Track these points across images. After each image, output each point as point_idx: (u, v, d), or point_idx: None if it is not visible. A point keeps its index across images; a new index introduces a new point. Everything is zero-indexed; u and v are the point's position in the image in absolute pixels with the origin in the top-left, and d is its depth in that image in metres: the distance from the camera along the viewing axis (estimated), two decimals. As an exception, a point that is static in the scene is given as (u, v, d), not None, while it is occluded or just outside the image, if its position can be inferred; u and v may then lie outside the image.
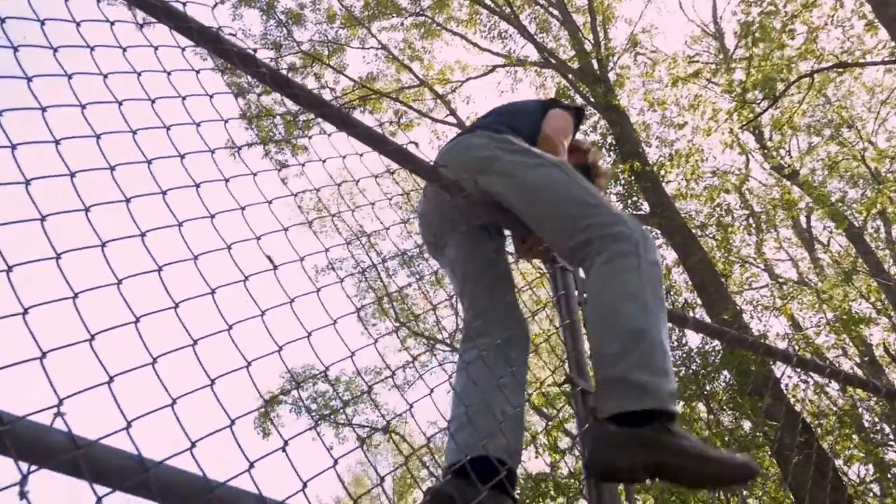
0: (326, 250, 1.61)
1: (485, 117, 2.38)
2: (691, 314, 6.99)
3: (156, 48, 1.47)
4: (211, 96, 1.53)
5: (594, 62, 12.32)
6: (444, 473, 1.74)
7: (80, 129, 1.23)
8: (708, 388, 7.88)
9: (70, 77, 1.26)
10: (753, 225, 14.28)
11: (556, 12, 14.01)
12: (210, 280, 1.27)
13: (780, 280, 15.02)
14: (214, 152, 1.44)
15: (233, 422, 1.11)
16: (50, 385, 0.94)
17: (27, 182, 1.07)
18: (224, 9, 13.55)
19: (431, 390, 1.60)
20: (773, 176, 15.15)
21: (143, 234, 1.20)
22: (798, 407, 8.11)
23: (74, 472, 0.94)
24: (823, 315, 11.88)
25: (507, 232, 2.28)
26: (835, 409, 8.62)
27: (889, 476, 7.98)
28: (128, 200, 1.21)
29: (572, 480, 7.97)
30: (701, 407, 8.24)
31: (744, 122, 10.31)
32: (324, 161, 1.73)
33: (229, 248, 1.34)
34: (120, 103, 1.32)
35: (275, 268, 1.39)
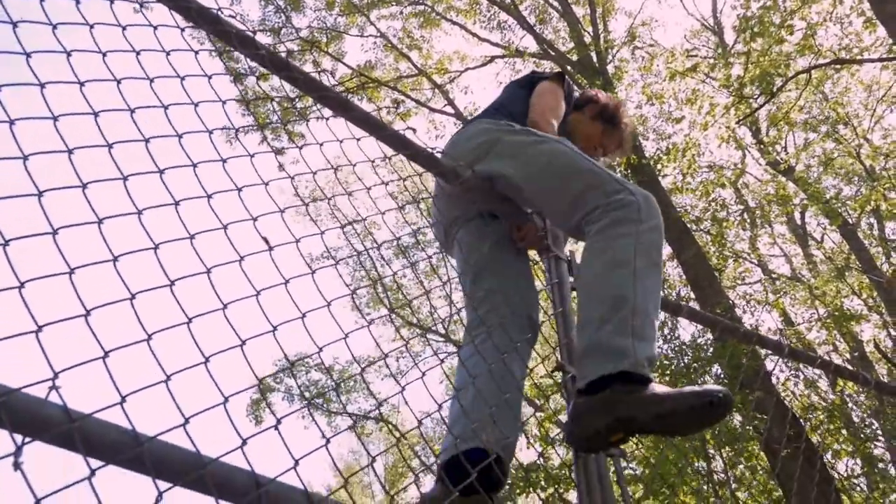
0: (322, 233, 1.62)
1: (480, 115, 2.40)
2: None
3: (155, 28, 1.47)
4: (209, 77, 1.53)
5: (593, 54, 12.30)
6: (437, 470, 1.73)
7: (78, 106, 1.23)
8: (700, 381, 7.92)
9: (69, 54, 1.26)
10: (748, 220, 14.31)
11: (556, 4, 13.98)
12: (206, 260, 1.28)
13: (774, 276, 15.08)
14: (212, 133, 1.44)
15: (226, 399, 1.12)
16: (45, 359, 0.94)
17: (25, 157, 1.07)
18: (222, -7, 13.47)
19: (423, 374, 1.61)
20: (769, 171, 15.18)
21: (139, 212, 1.20)
22: (788, 401, 8.16)
23: (68, 445, 0.95)
24: (815, 311, 11.93)
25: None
26: (824, 403, 8.67)
27: (876, 470, 8.05)
28: (125, 178, 1.22)
29: (562, 471, 8.02)
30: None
31: (741, 118, 10.32)
32: (321, 144, 1.73)
33: (225, 228, 1.35)
34: (118, 81, 1.32)
35: (270, 249, 1.40)
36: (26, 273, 0.99)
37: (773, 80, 9.60)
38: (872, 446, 8.60)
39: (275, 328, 1.28)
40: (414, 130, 1.97)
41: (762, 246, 15.69)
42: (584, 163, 1.93)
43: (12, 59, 1.20)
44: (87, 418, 0.96)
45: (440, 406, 1.55)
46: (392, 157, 1.95)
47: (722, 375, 7.88)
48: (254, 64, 1.75)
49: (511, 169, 2.02)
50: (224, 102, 1.52)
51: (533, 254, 2.41)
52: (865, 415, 9.16)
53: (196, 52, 1.53)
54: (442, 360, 1.77)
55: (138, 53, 1.41)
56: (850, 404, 9.00)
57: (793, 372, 8.53)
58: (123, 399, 1.00)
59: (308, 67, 13.42)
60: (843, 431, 8.32)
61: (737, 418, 7.86)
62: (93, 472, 0.93)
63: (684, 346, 8.37)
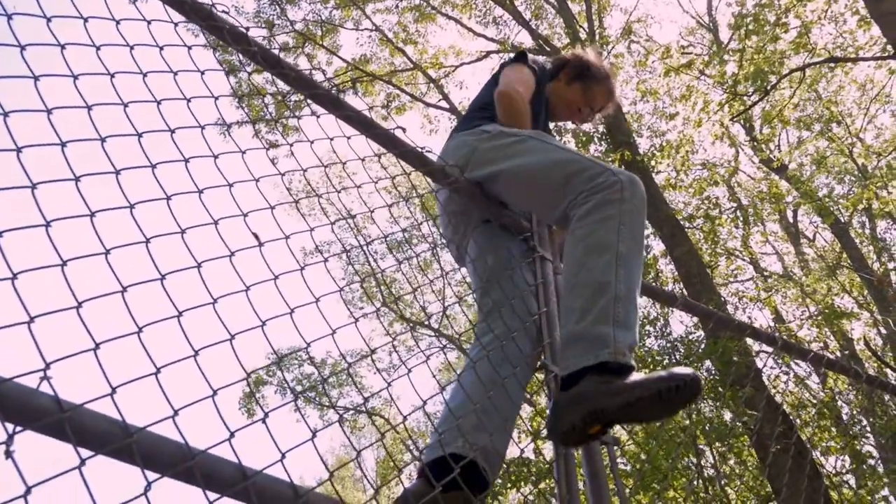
0: (311, 230, 1.63)
1: (459, 125, 2.42)
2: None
3: (149, 22, 1.48)
4: (202, 72, 1.54)
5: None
6: (420, 467, 1.69)
7: (72, 99, 1.24)
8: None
9: (63, 47, 1.27)
10: (740, 218, 14.37)
11: (551, -1, 13.99)
12: (196, 254, 1.29)
13: (766, 273, 15.15)
14: (204, 128, 1.46)
15: (215, 392, 1.14)
16: (37, 349, 0.96)
17: (18, 150, 1.09)
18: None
19: (409, 370, 1.63)
20: (762, 169, 15.24)
21: (131, 206, 1.22)
22: (779, 398, 8.21)
23: (59, 435, 0.96)
24: (807, 309, 12.00)
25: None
26: (815, 401, 8.74)
27: (865, 467, 8.11)
28: (118, 172, 1.23)
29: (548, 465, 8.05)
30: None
31: (735, 115, 10.35)
32: (311, 142, 1.75)
33: (216, 223, 1.36)
34: (112, 75, 1.33)
35: (260, 244, 1.41)
36: (19, 265, 1.00)
37: (768, 77, 9.63)
38: (861, 443, 8.67)
39: (263, 323, 1.30)
40: (404, 130, 1.98)
41: (754, 244, 15.76)
42: (562, 153, 1.93)
43: (6, 52, 1.21)
44: (77, 409, 0.98)
45: (424, 403, 1.56)
46: (382, 154, 1.96)
47: (713, 371, 7.92)
48: (246, 59, 1.76)
49: (491, 177, 2.03)
50: (216, 98, 1.53)
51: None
52: (855, 412, 9.23)
53: (189, 48, 1.54)
54: (427, 358, 1.78)
55: (132, 48, 1.42)
56: (839, 402, 9.07)
57: (783, 370, 8.59)
58: (114, 390, 1.02)
59: (302, 61, 13.40)
60: (833, 429, 8.38)
61: (727, 415, 7.92)
62: (83, 461, 0.95)
63: (676, 342, 8.42)
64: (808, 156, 15.65)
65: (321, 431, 1.33)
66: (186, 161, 1.37)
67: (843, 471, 8.55)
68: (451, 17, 15.04)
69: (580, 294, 1.66)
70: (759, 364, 7.71)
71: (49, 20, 1.30)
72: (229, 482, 1.06)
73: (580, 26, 12.96)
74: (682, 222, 10.51)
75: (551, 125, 2.75)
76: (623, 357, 1.56)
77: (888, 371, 10.87)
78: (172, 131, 1.39)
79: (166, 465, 1.03)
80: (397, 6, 14.79)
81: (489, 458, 1.72)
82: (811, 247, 16.05)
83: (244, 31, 1.70)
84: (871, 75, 14.26)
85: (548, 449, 8.97)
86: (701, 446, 7.92)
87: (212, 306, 1.24)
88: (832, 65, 11.39)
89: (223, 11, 1.71)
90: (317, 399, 15.87)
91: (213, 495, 1.04)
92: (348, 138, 1.83)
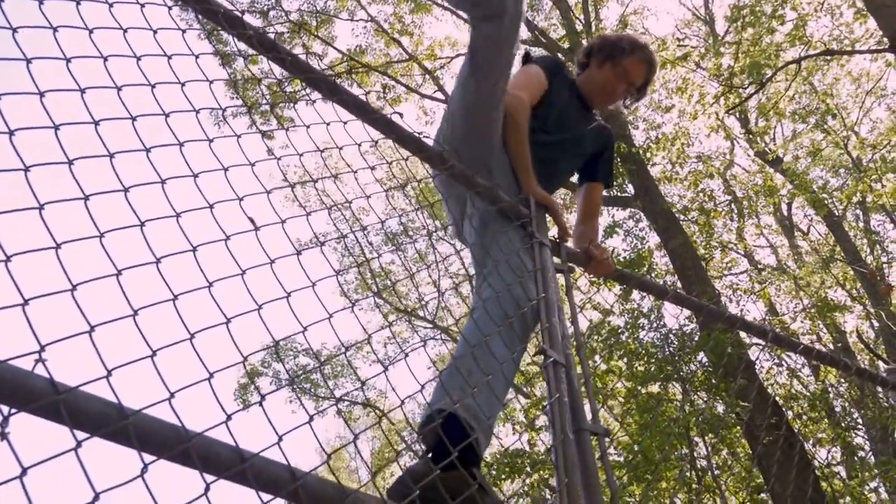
0: (308, 214, 1.63)
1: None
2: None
3: (142, 5, 1.47)
4: (196, 57, 1.53)
5: (584, 42, 12.28)
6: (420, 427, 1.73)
7: (65, 82, 1.24)
8: (684, 370, 7.99)
9: (56, 30, 1.26)
10: (735, 210, 14.39)
11: (548, -9, 13.94)
12: (192, 238, 1.29)
13: (760, 266, 15.19)
14: (199, 112, 1.45)
15: (211, 375, 1.13)
16: (32, 332, 0.95)
17: (11, 133, 1.08)
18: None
19: (406, 354, 1.63)
20: (757, 162, 15.25)
21: (126, 190, 1.21)
22: (770, 390, 8.25)
23: (55, 417, 0.96)
24: (800, 301, 12.04)
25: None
26: (806, 393, 8.77)
27: (856, 459, 8.16)
28: (111, 155, 1.22)
29: (547, 457, 8.08)
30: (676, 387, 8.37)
31: (730, 107, 10.35)
32: (308, 126, 1.74)
33: (211, 207, 1.35)
34: (105, 59, 1.32)
35: (256, 229, 1.41)
36: (13, 247, 1.00)
37: (763, 70, 9.63)
38: (853, 435, 8.72)
39: (260, 306, 1.29)
40: (401, 115, 1.98)
41: (749, 236, 15.79)
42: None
43: (-1, 35, 1.20)
44: (73, 391, 0.98)
45: (422, 387, 1.56)
46: (379, 140, 1.95)
47: (706, 363, 7.95)
48: (242, 45, 1.75)
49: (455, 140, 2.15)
50: (211, 82, 1.53)
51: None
52: (846, 404, 9.28)
53: (184, 32, 1.53)
54: (424, 343, 1.78)
55: (125, 31, 1.41)
56: (831, 394, 9.11)
57: (775, 362, 8.62)
58: (109, 373, 1.02)
59: (298, 51, 13.33)
60: (825, 421, 8.42)
61: (720, 407, 7.95)
62: (79, 443, 0.94)
63: (670, 335, 8.44)
64: (803, 148, 15.68)
65: (316, 421, 1.32)
66: (181, 145, 1.36)
67: (835, 462, 8.60)
68: (447, 7, 14.97)
69: None
70: (752, 356, 7.74)
71: (42, 2, 1.29)
72: (226, 464, 1.06)
73: (576, 18, 12.92)
74: (676, 215, 10.52)
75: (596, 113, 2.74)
76: None
77: (880, 363, 10.92)
78: (167, 115, 1.39)
79: (162, 446, 1.03)
80: (393, -4, 14.72)
81: (475, 414, 1.69)
82: (805, 240, 16.09)
83: (239, 14, 1.69)
84: (867, 68, 14.29)
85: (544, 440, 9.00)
86: (695, 438, 7.95)
87: (207, 290, 1.24)
88: (828, 57, 11.39)
89: (218, -4, 1.70)
90: (312, 389, 15.90)
91: (210, 477, 1.04)
92: (345, 123, 1.83)
